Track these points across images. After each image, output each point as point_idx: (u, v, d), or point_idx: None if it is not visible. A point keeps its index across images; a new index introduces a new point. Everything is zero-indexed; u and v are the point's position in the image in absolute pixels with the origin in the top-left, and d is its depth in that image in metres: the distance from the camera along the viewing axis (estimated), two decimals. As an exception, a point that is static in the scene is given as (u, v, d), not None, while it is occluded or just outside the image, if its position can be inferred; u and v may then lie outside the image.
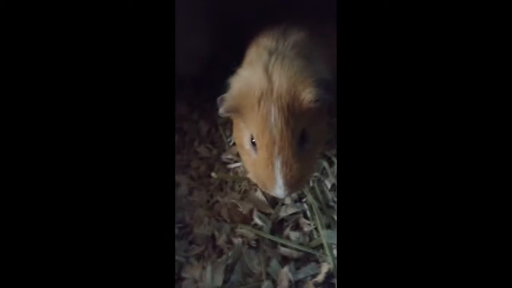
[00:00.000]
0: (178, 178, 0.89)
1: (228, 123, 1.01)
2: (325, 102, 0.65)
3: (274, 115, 0.63)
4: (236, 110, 0.68)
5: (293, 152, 0.64)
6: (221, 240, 0.74)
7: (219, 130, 1.00)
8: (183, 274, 0.70)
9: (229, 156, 0.93)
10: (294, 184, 0.65)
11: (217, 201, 0.84)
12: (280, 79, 0.65)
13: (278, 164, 0.64)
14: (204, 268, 0.70)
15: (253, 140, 0.67)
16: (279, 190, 0.65)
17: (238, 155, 0.93)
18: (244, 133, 0.70)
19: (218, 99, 0.71)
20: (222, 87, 1.06)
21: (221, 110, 0.70)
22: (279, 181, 0.64)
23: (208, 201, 0.84)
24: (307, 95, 0.64)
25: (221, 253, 0.73)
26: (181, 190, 0.87)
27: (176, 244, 0.75)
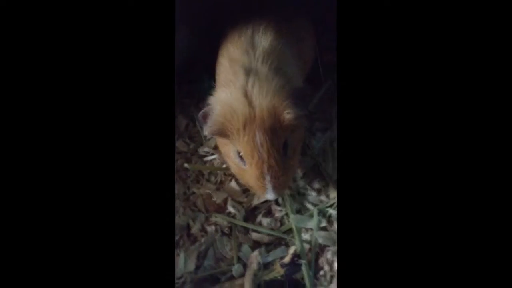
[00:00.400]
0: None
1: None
2: (301, 117, 0.72)
3: (260, 138, 0.70)
4: (221, 133, 0.73)
5: (280, 166, 0.71)
6: (195, 229, 0.78)
7: (197, 125, 1.03)
8: (159, 262, 0.74)
9: (206, 149, 0.96)
10: (282, 189, 0.73)
11: (193, 193, 0.87)
12: (261, 104, 0.71)
13: (268, 178, 0.71)
14: (177, 255, 0.74)
15: (241, 154, 0.73)
16: (269, 195, 0.73)
17: (215, 148, 0.97)
18: (230, 148, 0.75)
19: (199, 115, 0.75)
20: (200, 82, 1.09)
21: (207, 133, 0.75)
22: (269, 189, 0.72)
23: (185, 193, 0.88)
24: (287, 115, 0.70)
25: (195, 240, 0.77)
26: (160, 183, 0.90)
27: (153, 234, 0.78)
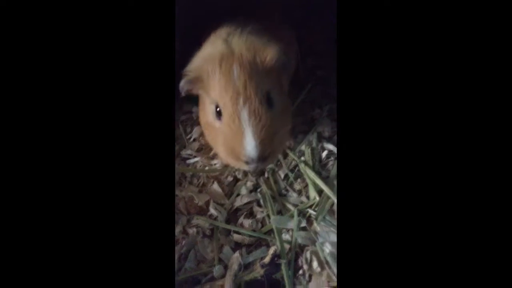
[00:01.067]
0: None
1: (188, 120, 1.06)
2: (285, 64, 0.67)
3: (237, 70, 0.63)
4: (198, 79, 0.68)
5: (260, 103, 0.63)
6: (177, 231, 0.79)
7: (180, 128, 1.04)
8: (141, 264, 0.74)
9: (189, 152, 0.97)
10: (266, 138, 0.62)
11: (175, 195, 0.88)
12: (239, 45, 0.67)
13: (245, 114, 0.61)
14: (159, 257, 0.74)
15: (218, 109, 0.66)
16: (249, 147, 0.61)
17: (197, 150, 0.97)
18: (208, 107, 0.70)
19: (181, 83, 0.70)
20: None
21: (182, 83, 0.69)
22: (248, 135, 0.61)
23: (168, 196, 0.88)
24: (268, 53, 0.66)
25: (176, 243, 0.77)
26: (143, 186, 0.91)
27: (135, 237, 0.79)
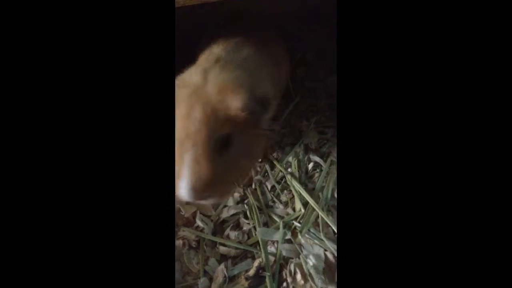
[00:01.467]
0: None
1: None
2: (254, 113, 0.66)
3: (197, 112, 0.63)
4: None
5: (207, 150, 0.62)
6: (162, 243, 0.79)
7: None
8: (126, 277, 0.74)
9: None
10: (200, 186, 0.61)
11: (163, 207, 0.88)
12: (215, 80, 0.67)
13: (187, 159, 0.61)
14: (144, 269, 0.74)
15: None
16: (182, 189, 0.62)
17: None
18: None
19: None
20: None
21: None
22: (184, 179, 0.61)
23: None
24: (235, 102, 0.65)
25: (162, 255, 0.78)
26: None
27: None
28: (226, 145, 0.65)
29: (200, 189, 0.62)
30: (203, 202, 0.68)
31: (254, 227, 0.82)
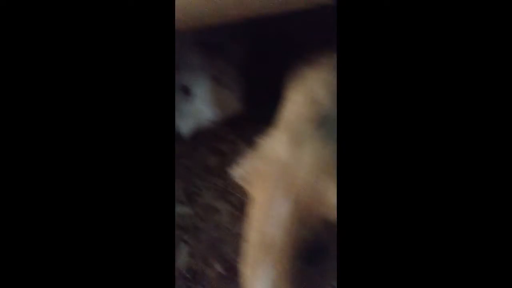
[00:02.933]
0: (219, 204, 0.85)
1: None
2: None
3: (282, 211, 0.49)
4: (246, 180, 0.58)
5: (289, 269, 0.47)
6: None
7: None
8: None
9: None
10: None
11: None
12: (310, 160, 0.51)
13: (264, 277, 0.47)
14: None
15: None
16: None
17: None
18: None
19: None
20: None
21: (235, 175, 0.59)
22: None
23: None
24: (331, 199, 0.49)
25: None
26: (223, 218, 0.82)
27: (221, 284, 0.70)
28: (321, 257, 0.50)
29: None
30: None
31: None
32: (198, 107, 0.93)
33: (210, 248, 0.76)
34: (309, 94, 0.57)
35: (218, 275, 0.72)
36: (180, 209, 0.83)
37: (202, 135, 1.00)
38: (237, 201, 0.85)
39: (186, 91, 0.93)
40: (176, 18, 0.49)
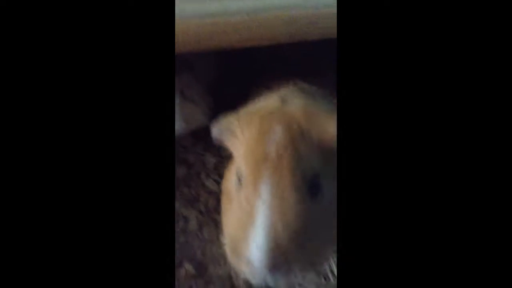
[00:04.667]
0: (187, 212, 0.88)
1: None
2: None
3: (278, 133, 0.48)
4: (231, 130, 0.54)
5: (296, 189, 0.45)
6: (241, 282, 0.74)
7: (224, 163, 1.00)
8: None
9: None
10: (285, 240, 0.42)
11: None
12: (297, 103, 0.53)
13: (266, 192, 0.44)
14: (225, 311, 0.69)
15: (239, 175, 0.51)
16: (254, 246, 0.43)
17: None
18: (231, 171, 0.56)
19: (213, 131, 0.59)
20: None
21: (214, 131, 0.57)
22: (259, 227, 0.43)
23: (218, 238, 0.84)
24: (331, 128, 0.49)
25: (240, 294, 0.73)
26: (191, 224, 0.86)
27: (192, 283, 0.74)
28: (313, 191, 0.48)
29: (284, 244, 0.43)
30: (273, 278, 0.45)
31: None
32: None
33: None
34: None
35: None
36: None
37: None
38: (204, 208, 0.90)
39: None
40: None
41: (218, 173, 0.98)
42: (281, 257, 0.43)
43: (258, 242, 0.42)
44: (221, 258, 0.78)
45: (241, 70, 0.97)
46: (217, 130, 0.58)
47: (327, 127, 0.50)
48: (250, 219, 0.45)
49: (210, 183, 0.95)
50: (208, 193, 0.93)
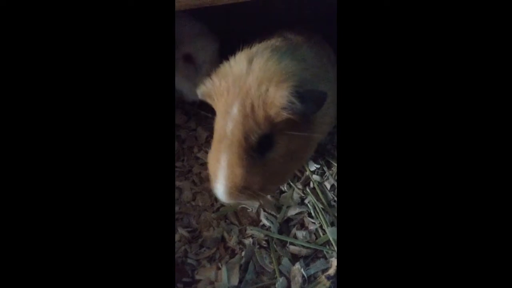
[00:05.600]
0: (181, 183, 0.90)
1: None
2: (297, 113, 0.58)
3: (234, 110, 0.58)
4: (209, 95, 0.64)
5: (241, 155, 0.58)
6: (233, 242, 0.76)
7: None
8: (197, 277, 0.71)
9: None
10: (234, 190, 0.60)
11: (222, 205, 0.85)
12: (258, 71, 0.60)
13: (222, 161, 0.59)
14: (219, 268, 0.71)
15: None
16: (218, 190, 0.61)
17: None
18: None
19: (198, 91, 0.68)
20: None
21: (198, 92, 0.66)
22: (220, 181, 0.60)
23: (212, 205, 0.86)
24: (278, 99, 0.57)
25: (233, 253, 0.74)
26: (185, 195, 0.88)
27: (187, 247, 0.76)
28: (267, 146, 0.61)
29: (234, 194, 0.61)
30: (239, 201, 0.69)
31: (321, 227, 0.80)
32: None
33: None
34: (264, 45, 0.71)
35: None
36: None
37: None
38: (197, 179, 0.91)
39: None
40: None
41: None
42: (237, 197, 0.62)
43: (219, 182, 0.61)
44: (214, 222, 0.81)
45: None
46: (200, 93, 0.67)
47: (274, 99, 0.58)
48: (215, 174, 0.62)
49: (202, 155, 0.97)
50: (200, 164, 0.95)
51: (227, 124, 0.59)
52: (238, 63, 0.64)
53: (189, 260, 0.73)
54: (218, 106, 0.63)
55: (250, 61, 0.63)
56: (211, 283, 0.69)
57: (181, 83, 0.95)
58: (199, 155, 0.97)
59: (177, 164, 0.95)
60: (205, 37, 0.92)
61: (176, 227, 0.79)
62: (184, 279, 0.70)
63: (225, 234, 0.78)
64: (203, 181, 0.90)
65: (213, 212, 0.83)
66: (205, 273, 0.71)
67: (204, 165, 0.95)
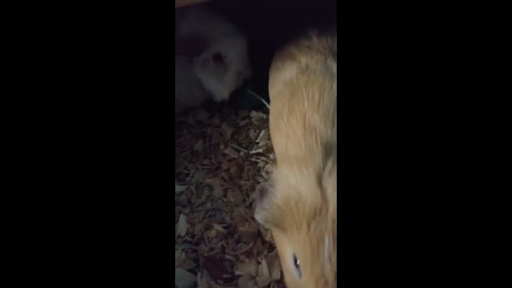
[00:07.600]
0: (210, 181, 0.90)
1: (249, 125, 1.04)
2: None
3: (329, 248, 0.50)
4: (278, 223, 0.57)
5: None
6: (269, 236, 0.75)
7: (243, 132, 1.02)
8: (237, 272, 0.70)
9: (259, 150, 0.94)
10: None
11: (254, 200, 0.84)
12: (333, 190, 0.54)
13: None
14: (258, 263, 0.71)
15: (298, 263, 0.55)
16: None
17: (267, 151, 0.94)
18: (287, 249, 0.58)
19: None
20: (241, 93, 1.06)
21: (258, 218, 0.59)
22: None
23: (244, 200, 0.85)
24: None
25: (271, 247, 0.74)
26: (216, 191, 0.88)
27: (223, 243, 0.75)
28: None
29: None
30: None
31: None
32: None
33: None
34: None
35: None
36: (176, 188, 0.88)
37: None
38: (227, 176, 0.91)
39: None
40: None
41: (238, 142, 1.00)
42: None
43: None
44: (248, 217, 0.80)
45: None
46: (263, 218, 0.60)
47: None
48: None
49: (229, 151, 0.97)
50: (228, 161, 0.95)
51: (323, 265, 0.51)
52: (307, 184, 0.55)
53: (227, 256, 0.73)
54: (295, 238, 0.55)
55: (320, 184, 0.55)
56: (252, 277, 0.69)
57: (211, 83, 0.96)
58: (226, 151, 0.97)
59: (205, 161, 0.95)
60: (234, 36, 0.93)
61: (211, 223, 0.79)
62: (224, 275, 0.70)
63: (261, 229, 0.77)
64: (233, 177, 0.90)
65: (246, 207, 0.83)
66: (245, 268, 0.70)
67: (231, 161, 0.94)
